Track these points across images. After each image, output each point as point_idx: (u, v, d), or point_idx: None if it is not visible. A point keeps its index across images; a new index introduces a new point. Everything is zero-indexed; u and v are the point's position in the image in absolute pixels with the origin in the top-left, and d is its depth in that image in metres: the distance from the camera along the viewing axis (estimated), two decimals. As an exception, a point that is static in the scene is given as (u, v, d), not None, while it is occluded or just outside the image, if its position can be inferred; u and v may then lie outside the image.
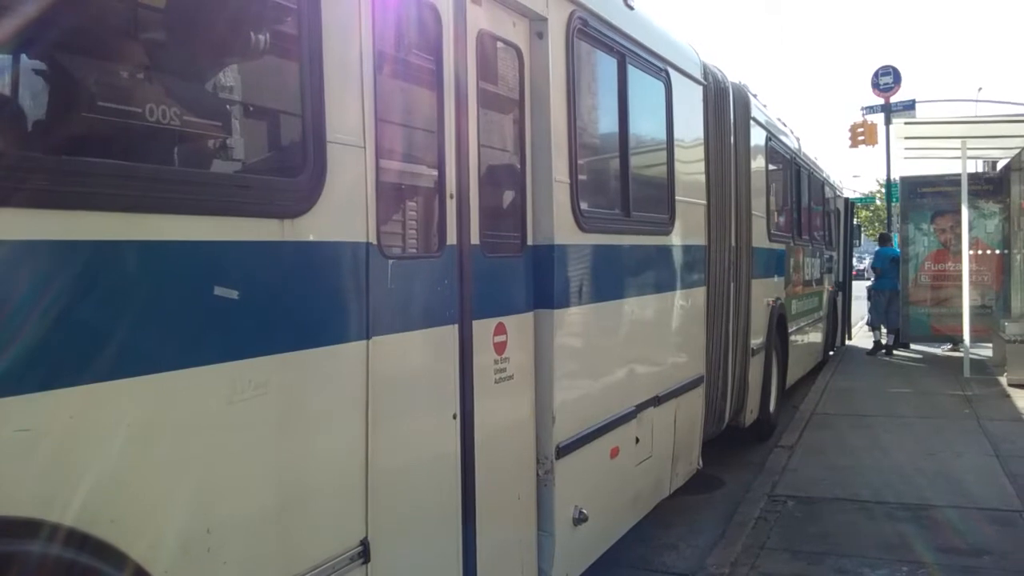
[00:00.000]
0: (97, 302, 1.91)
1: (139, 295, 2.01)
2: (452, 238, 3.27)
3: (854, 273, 17.30)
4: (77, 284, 1.87)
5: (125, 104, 2.16)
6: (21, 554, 1.73)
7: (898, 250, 15.37)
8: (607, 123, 4.98)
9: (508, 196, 3.96)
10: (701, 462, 6.37)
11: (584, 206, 4.25)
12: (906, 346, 15.19)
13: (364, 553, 2.71)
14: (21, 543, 1.73)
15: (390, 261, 2.90)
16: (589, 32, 4.40)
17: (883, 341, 15.18)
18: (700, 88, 6.40)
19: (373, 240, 2.79)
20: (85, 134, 2.10)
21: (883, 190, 21.99)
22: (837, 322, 15.04)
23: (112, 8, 2.31)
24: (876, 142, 19.78)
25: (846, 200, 17.39)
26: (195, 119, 2.35)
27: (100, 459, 1.91)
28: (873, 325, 15.59)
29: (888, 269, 15.05)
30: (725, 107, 7.03)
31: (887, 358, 14.61)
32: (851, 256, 17.49)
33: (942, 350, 14.88)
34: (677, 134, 5.73)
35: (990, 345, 13.34)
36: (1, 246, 1.73)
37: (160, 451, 2.06)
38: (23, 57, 2.13)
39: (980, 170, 17.37)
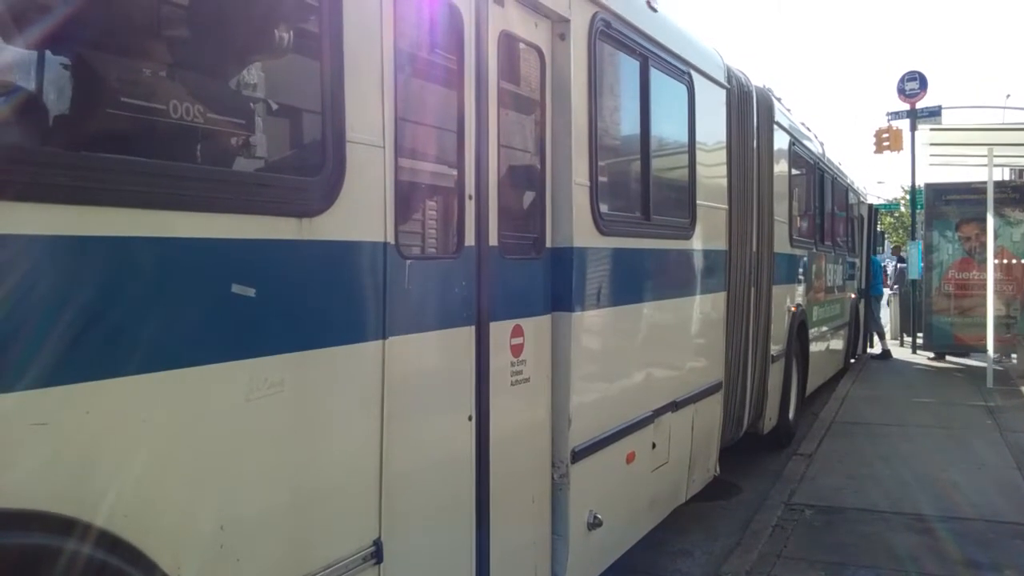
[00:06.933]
0: (114, 297, 1.92)
1: (157, 291, 2.01)
2: (470, 239, 3.25)
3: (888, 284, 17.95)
4: (95, 279, 1.88)
5: (146, 101, 2.16)
6: (31, 546, 1.73)
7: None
8: (628, 126, 4.95)
9: (527, 198, 3.95)
10: (718, 469, 6.32)
11: (604, 209, 4.23)
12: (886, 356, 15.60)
13: (377, 553, 2.70)
14: (32, 536, 1.74)
15: (408, 261, 2.89)
16: (612, 34, 4.37)
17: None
18: (723, 91, 6.35)
19: (391, 240, 2.78)
20: (107, 130, 2.11)
21: (907, 196, 21.73)
22: (859, 330, 14.91)
23: (136, 5, 2.31)
24: (901, 148, 19.49)
25: (870, 206, 17.23)
26: (216, 116, 2.35)
27: (115, 454, 1.92)
28: (880, 332, 16.17)
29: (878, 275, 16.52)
30: (748, 111, 6.98)
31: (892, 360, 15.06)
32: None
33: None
34: (699, 137, 5.69)
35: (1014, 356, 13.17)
36: (23, 240, 1.74)
37: (175, 447, 2.06)
38: (47, 53, 2.14)
39: (1006, 178, 17.15)
